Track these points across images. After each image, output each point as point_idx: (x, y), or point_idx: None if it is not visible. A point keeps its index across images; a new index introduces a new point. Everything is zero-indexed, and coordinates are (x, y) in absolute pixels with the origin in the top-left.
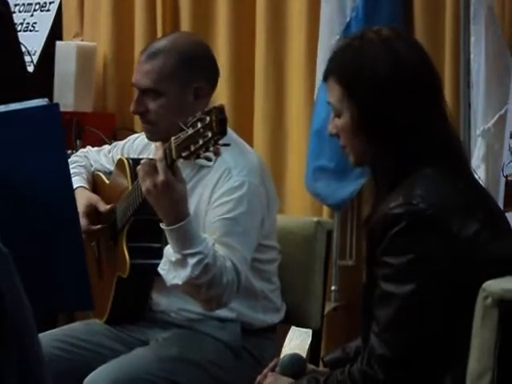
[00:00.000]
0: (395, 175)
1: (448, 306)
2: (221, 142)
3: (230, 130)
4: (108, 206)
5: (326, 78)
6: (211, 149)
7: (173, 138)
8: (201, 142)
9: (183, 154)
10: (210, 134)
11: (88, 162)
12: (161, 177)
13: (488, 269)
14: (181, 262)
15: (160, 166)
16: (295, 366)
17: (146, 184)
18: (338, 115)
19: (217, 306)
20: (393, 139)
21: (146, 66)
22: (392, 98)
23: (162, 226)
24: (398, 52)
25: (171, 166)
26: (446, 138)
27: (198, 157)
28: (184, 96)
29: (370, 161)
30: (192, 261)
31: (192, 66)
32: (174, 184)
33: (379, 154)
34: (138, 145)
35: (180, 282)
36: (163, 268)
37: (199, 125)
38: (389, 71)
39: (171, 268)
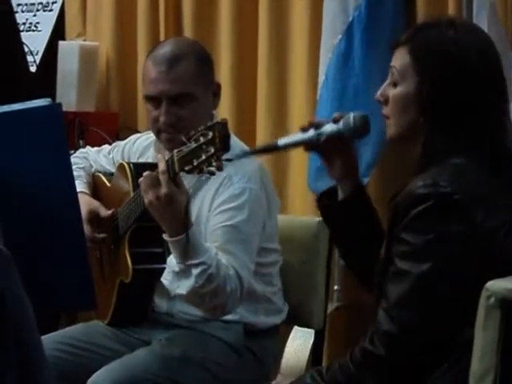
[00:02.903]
0: (432, 155)
1: (458, 294)
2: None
3: (238, 142)
4: (109, 212)
5: (397, 46)
6: (214, 164)
7: (175, 151)
8: (203, 156)
9: (186, 168)
10: (212, 150)
11: (88, 163)
12: (164, 189)
13: (502, 266)
14: (184, 273)
15: (163, 179)
16: (363, 123)
17: (148, 196)
18: (395, 84)
19: (221, 313)
20: (447, 122)
21: (171, 74)
22: (467, 83)
23: (165, 237)
24: (487, 43)
25: (174, 178)
26: (496, 134)
27: (201, 171)
28: (209, 96)
29: (410, 137)
30: (196, 271)
31: (208, 66)
32: (177, 196)
33: (426, 133)
34: (139, 147)
35: (184, 292)
36: (166, 278)
37: (202, 139)
38: (470, 56)
39: (175, 278)
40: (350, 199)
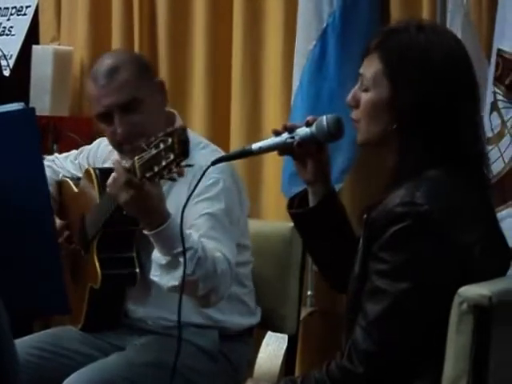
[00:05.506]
0: (407, 166)
1: (436, 311)
2: (184, 163)
3: (197, 135)
4: (62, 222)
5: (367, 53)
6: (174, 170)
7: (136, 158)
8: (163, 163)
9: (147, 175)
10: (172, 156)
11: (52, 170)
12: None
13: (479, 282)
14: (172, 263)
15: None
16: (336, 126)
17: (122, 197)
18: (366, 89)
19: (215, 298)
20: (421, 131)
21: (112, 85)
22: (441, 91)
23: (146, 232)
24: (458, 47)
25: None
26: (471, 143)
27: (162, 177)
28: (155, 96)
29: (382, 144)
30: (183, 258)
31: (145, 68)
32: (150, 190)
33: (399, 141)
34: (103, 152)
35: (177, 283)
36: (155, 274)
37: (161, 146)
38: (443, 62)
39: (163, 272)
40: (320, 206)
